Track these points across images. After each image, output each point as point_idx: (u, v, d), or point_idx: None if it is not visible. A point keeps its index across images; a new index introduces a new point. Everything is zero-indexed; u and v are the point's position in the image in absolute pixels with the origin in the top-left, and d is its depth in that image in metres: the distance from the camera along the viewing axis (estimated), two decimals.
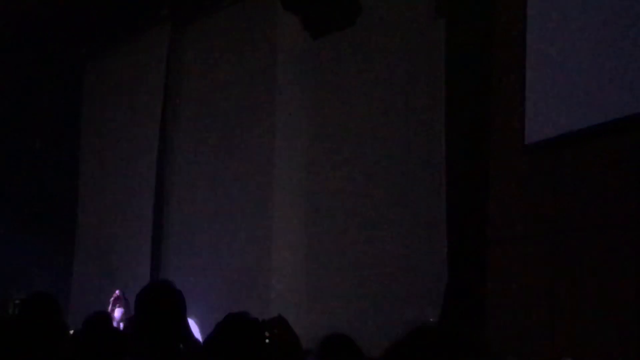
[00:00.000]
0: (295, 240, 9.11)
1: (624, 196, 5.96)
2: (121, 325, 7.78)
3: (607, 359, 5.67)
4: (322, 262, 8.79)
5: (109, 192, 11.76)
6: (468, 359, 1.21)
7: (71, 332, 4.16)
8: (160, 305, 2.95)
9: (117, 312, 8.22)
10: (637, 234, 5.85)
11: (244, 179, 9.90)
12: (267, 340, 2.82)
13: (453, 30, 7.61)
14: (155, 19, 11.11)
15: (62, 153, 12.00)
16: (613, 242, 5.98)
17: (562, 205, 6.43)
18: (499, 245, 6.95)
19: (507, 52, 7.10)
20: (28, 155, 11.60)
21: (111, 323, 4.75)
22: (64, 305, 11.11)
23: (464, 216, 7.29)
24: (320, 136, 9.05)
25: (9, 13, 10.54)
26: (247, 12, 10.06)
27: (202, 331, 7.94)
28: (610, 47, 6.01)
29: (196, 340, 3.27)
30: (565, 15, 6.44)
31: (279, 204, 9.29)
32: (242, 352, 2.78)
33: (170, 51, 11.02)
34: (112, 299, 8.41)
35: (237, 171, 10.02)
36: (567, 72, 6.38)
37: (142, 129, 11.27)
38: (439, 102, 7.67)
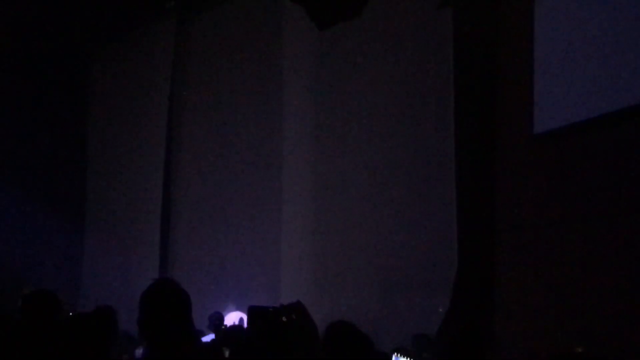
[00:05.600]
0: (304, 230, 9.14)
1: (632, 185, 5.96)
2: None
3: (618, 347, 5.69)
4: (330, 253, 8.82)
5: (117, 183, 11.79)
6: None
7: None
8: (164, 305, 2.98)
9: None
10: None
11: (252, 171, 9.91)
12: (285, 326, 2.85)
13: (460, 19, 7.60)
14: (161, 12, 11.12)
15: (69, 146, 12.05)
16: (622, 230, 5.99)
17: (570, 195, 6.43)
18: (508, 233, 6.96)
19: (515, 41, 7.08)
20: (36, 148, 11.65)
21: (115, 319, 4.71)
22: (74, 296, 11.27)
23: (474, 205, 7.31)
24: (327, 126, 9.04)
25: (17, 6, 10.59)
26: (253, 2, 10.07)
27: (208, 323, 7.99)
28: (619, 36, 5.99)
29: (200, 339, 3.27)
30: (574, 6, 6.42)
31: (288, 197, 9.31)
32: (268, 344, 2.81)
33: (176, 43, 11.03)
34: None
35: (245, 163, 10.03)
36: (576, 61, 6.36)
37: (149, 121, 11.29)
38: (447, 91, 7.66)
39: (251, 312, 3.08)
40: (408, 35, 8.18)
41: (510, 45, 7.14)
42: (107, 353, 3.68)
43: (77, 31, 11.46)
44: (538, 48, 6.65)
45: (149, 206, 11.07)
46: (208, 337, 6.93)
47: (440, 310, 7.27)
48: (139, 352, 6.73)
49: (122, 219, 11.56)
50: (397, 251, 8.06)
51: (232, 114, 10.24)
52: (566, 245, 6.43)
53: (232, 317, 8.75)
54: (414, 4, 8.16)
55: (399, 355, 4.64)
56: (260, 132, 9.84)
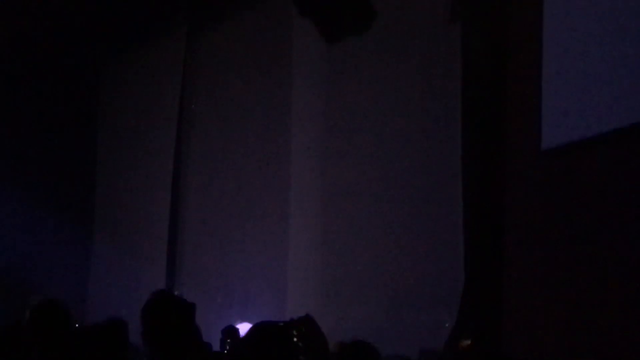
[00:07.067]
0: (311, 242, 9.15)
1: None
2: None
3: (628, 358, 5.67)
4: (337, 265, 8.83)
5: (126, 192, 11.84)
6: None
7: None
8: (163, 317, 3.00)
9: None
10: None
11: (260, 181, 9.96)
12: (294, 339, 2.87)
13: (469, 34, 7.63)
14: (171, 22, 11.19)
15: (79, 152, 12.10)
16: (629, 247, 5.97)
17: (579, 211, 6.42)
18: (515, 249, 6.96)
19: (523, 56, 7.09)
20: (46, 153, 11.70)
21: (126, 332, 4.72)
22: (81, 305, 11.29)
23: (481, 220, 7.32)
24: (335, 139, 9.08)
25: (29, 13, 10.69)
26: (263, 16, 10.12)
27: (214, 331, 7.99)
28: (629, 51, 5.99)
29: (206, 349, 3.27)
30: (582, 20, 6.42)
31: (296, 206, 9.34)
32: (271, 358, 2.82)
33: (186, 55, 11.09)
34: None
35: (253, 173, 10.08)
36: (584, 77, 6.36)
37: (159, 130, 11.36)
38: (454, 105, 7.69)
39: (259, 328, 3.09)
40: (416, 49, 8.22)
41: (519, 60, 7.15)
42: None
43: (88, 38, 11.55)
44: (546, 62, 6.66)
45: (157, 216, 11.12)
46: None
47: (447, 325, 7.27)
48: None
49: (130, 228, 11.61)
50: (405, 264, 8.07)
51: (241, 126, 10.30)
52: (575, 262, 6.41)
53: (245, 329, 8.73)
54: (423, 18, 8.20)
55: None
56: (269, 144, 9.89)
